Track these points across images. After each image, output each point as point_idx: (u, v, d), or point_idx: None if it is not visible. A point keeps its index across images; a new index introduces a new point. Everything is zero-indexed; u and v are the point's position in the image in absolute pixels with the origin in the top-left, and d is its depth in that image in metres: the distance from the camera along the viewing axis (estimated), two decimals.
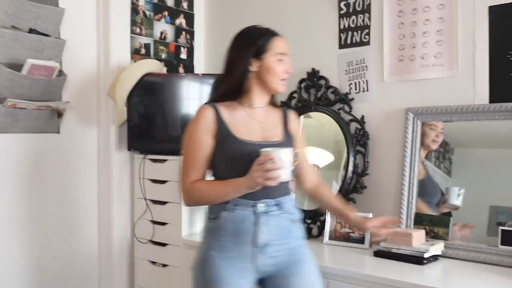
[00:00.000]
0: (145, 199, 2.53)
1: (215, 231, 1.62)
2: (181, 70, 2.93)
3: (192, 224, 2.41)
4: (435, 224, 2.04)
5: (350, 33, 2.38)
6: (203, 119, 1.63)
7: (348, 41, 2.39)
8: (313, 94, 2.48)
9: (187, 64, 2.97)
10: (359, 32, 2.35)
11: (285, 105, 2.53)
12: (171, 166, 2.43)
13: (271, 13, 2.70)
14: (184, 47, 2.95)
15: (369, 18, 2.32)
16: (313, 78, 2.48)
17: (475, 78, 2.01)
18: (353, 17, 2.37)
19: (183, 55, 2.95)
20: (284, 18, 2.64)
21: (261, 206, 1.58)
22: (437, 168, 2.12)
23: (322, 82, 2.46)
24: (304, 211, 2.40)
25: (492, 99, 1.97)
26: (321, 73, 2.47)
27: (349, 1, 2.38)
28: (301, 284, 1.61)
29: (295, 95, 2.55)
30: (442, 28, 2.09)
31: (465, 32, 2.04)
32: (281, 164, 1.45)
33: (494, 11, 1.96)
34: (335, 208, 1.80)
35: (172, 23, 2.90)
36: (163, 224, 2.46)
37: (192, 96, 2.59)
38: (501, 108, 1.92)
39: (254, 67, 1.63)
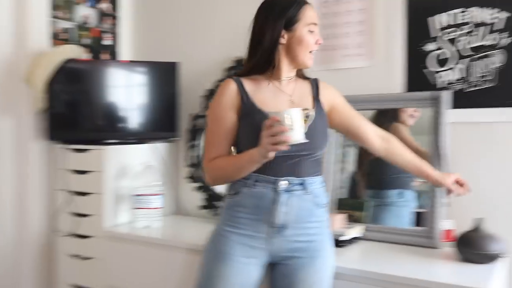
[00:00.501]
0: (66, 190, 2.44)
1: (233, 206, 1.56)
2: (105, 56, 2.84)
3: (116, 214, 2.36)
4: (355, 208, 2.12)
5: None
6: (225, 94, 1.56)
7: None
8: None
9: (112, 51, 2.88)
10: None
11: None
12: (94, 155, 2.36)
13: (200, 1, 2.67)
14: (108, 32, 2.86)
15: None
16: (240, 66, 2.48)
17: (391, 68, 2.10)
18: None
19: (108, 41, 2.86)
20: (215, 5, 2.62)
21: (283, 183, 1.50)
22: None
23: None
24: None
25: (406, 89, 2.06)
26: None
27: None
28: (311, 279, 1.52)
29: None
30: (363, 19, 2.16)
31: (382, 24, 2.12)
32: (290, 125, 1.34)
33: (409, 3, 2.05)
34: (413, 165, 1.70)
35: (96, 7, 2.80)
36: (85, 215, 2.39)
37: (118, 84, 2.52)
38: (414, 97, 2.01)
39: (284, 39, 1.54)
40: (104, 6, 2.83)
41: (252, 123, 1.49)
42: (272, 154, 1.40)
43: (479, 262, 1.66)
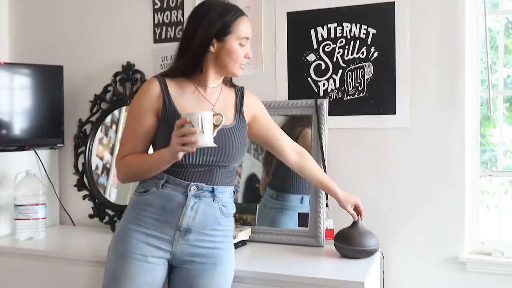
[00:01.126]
0: None
1: (140, 205, 1.54)
2: None
3: None
4: (244, 211, 2.20)
5: (164, 28, 2.42)
6: (147, 94, 1.53)
7: (163, 36, 2.42)
8: (129, 87, 2.46)
9: None
10: (173, 27, 2.40)
11: (121, 97, 2.46)
12: None
13: (84, 1, 2.59)
14: None
15: (182, 15, 2.38)
16: (129, 72, 2.46)
17: (276, 77, 2.22)
18: (167, 12, 2.41)
19: None
20: (97, 8, 2.56)
21: (193, 188, 1.51)
22: (256, 160, 2.26)
23: (138, 75, 2.45)
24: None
25: (290, 96, 2.19)
26: (136, 67, 2.46)
27: None
28: (211, 285, 1.54)
29: (110, 88, 2.49)
30: None
31: (267, 34, 2.23)
32: (200, 128, 1.35)
33: (291, 16, 2.18)
34: (320, 182, 1.79)
35: None
36: None
37: None
38: (297, 104, 2.15)
39: (214, 47, 1.53)
40: None
41: (170, 127, 1.46)
42: (180, 155, 1.40)
43: (356, 257, 1.82)
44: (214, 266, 1.55)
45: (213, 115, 1.41)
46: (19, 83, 2.43)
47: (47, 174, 2.49)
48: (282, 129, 1.85)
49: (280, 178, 2.18)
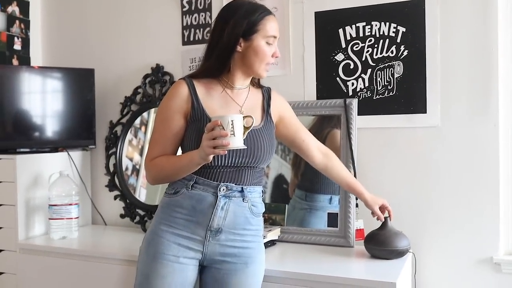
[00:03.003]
0: None
1: (170, 206, 1.55)
2: (15, 62, 2.72)
3: (30, 227, 2.27)
4: (273, 211, 2.21)
5: (192, 30, 2.44)
6: (175, 96, 1.54)
7: (191, 38, 2.44)
8: (158, 89, 2.49)
9: (22, 56, 2.76)
10: (201, 29, 2.42)
11: (150, 98, 2.50)
12: (4, 165, 2.25)
13: (113, 6, 2.64)
14: (18, 37, 2.74)
15: (210, 17, 2.40)
16: (158, 74, 2.49)
17: (304, 77, 2.21)
18: (195, 14, 2.43)
19: (17, 46, 2.73)
20: (127, 12, 2.60)
21: (223, 188, 1.52)
22: (283, 160, 2.26)
23: (167, 77, 2.48)
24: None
25: (318, 96, 2.18)
26: (165, 69, 2.49)
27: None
28: (242, 285, 1.54)
29: (140, 90, 2.53)
30: None
31: (295, 35, 2.22)
32: (231, 130, 1.36)
33: (319, 16, 2.17)
34: (347, 184, 1.79)
35: (3, 10, 2.67)
36: None
37: (28, 90, 2.43)
38: (326, 104, 2.14)
39: (241, 47, 1.53)
40: (11, 9, 2.71)
41: (199, 130, 1.48)
42: (210, 158, 1.41)
43: (387, 258, 1.80)
44: (245, 265, 1.55)
45: (244, 117, 1.42)
46: (52, 86, 2.49)
47: (79, 175, 2.55)
48: (310, 130, 1.85)
49: (309, 179, 2.18)
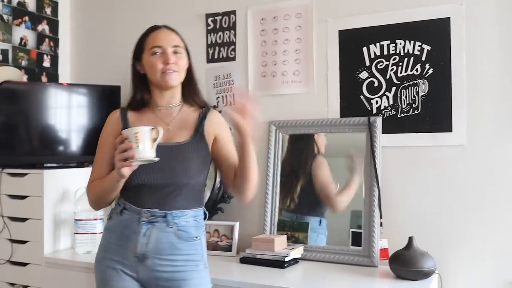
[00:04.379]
0: (2, 216, 2.36)
1: (106, 231, 1.63)
2: (44, 79, 2.79)
3: (56, 241, 2.30)
4: (295, 229, 2.20)
5: (217, 48, 2.47)
6: (108, 123, 1.66)
7: (216, 56, 2.48)
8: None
9: (51, 73, 2.83)
10: (226, 47, 2.45)
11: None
12: (32, 180, 2.30)
13: (139, 25, 2.67)
14: (47, 54, 2.82)
15: (235, 35, 2.43)
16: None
17: (328, 95, 2.21)
18: (220, 33, 2.47)
19: (46, 63, 2.81)
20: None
21: (146, 214, 1.53)
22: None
23: None
24: None
25: (342, 114, 2.18)
26: None
27: (216, 18, 2.47)
28: None
29: None
30: (300, 48, 2.27)
31: (319, 53, 2.23)
32: (136, 142, 1.39)
33: (343, 34, 2.18)
34: (239, 157, 1.58)
35: (34, 29, 2.75)
36: (23, 242, 2.31)
37: (56, 106, 2.48)
38: (349, 122, 2.13)
39: (141, 69, 1.64)
40: (41, 28, 2.79)
41: None
42: (125, 171, 1.42)
43: (412, 279, 1.77)
44: (178, 282, 1.52)
45: (151, 129, 1.44)
46: (79, 102, 2.54)
47: None
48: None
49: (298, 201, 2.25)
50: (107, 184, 1.54)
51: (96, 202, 1.64)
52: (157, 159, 1.44)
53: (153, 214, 1.53)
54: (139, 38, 1.67)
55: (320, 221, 2.17)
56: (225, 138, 1.66)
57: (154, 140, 1.44)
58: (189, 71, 1.68)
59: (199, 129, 1.61)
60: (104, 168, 1.60)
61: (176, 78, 1.60)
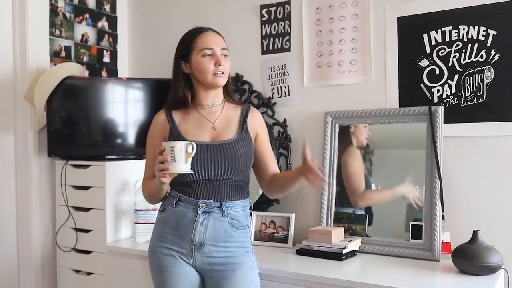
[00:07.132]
0: (67, 206, 2.46)
1: (160, 223, 1.71)
2: (104, 74, 2.88)
3: (117, 230, 2.38)
4: (353, 221, 2.16)
5: (272, 39, 2.46)
6: (154, 125, 1.74)
7: (270, 47, 2.47)
8: (238, 98, 2.53)
9: (110, 68, 2.92)
10: (280, 38, 2.44)
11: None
12: (94, 171, 2.39)
13: (195, 19, 2.72)
14: (107, 50, 2.90)
15: (290, 26, 2.41)
16: (237, 83, 2.53)
17: (386, 84, 2.16)
18: (275, 24, 2.45)
19: (106, 59, 2.90)
20: (207, 23, 2.65)
21: (202, 205, 1.63)
22: None
23: (246, 86, 2.52)
24: None
25: (401, 104, 2.12)
26: (244, 78, 2.53)
27: (270, 9, 2.46)
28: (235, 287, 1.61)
29: None
30: (356, 37, 2.22)
31: (376, 41, 2.18)
32: (171, 156, 1.48)
33: (402, 21, 2.11)
34: (284, 176, 1.68)
35: (94, 25, 2.84)
36: (87, 231, 2.41)
37: (116, 100, 2.56)
38: (409, 112, 2.07)
39: (186, 69, 1.69)
40: (100, 24, 2.87)
41: None
42: (164, 180, 1.53)
43: (477, 274, 1.71)
44: (233, 271, 1.62)
45: (186, 144, 1.52)
46: (136, 96, 2.61)
47: None
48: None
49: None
50: (153, 186, 1.65)
51: (150, 199, 1.76)
52: (191, 171, 1.55)
53: (209, 204, 1.64)
54: (184, 38, 1.72)
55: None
56: (264, 137, 1.77)
57: (189, 154, 1.52)
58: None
59: (243, 126, 1.71)
60: (153, 170, 1.66)
61: (224, 79, 1.69)
